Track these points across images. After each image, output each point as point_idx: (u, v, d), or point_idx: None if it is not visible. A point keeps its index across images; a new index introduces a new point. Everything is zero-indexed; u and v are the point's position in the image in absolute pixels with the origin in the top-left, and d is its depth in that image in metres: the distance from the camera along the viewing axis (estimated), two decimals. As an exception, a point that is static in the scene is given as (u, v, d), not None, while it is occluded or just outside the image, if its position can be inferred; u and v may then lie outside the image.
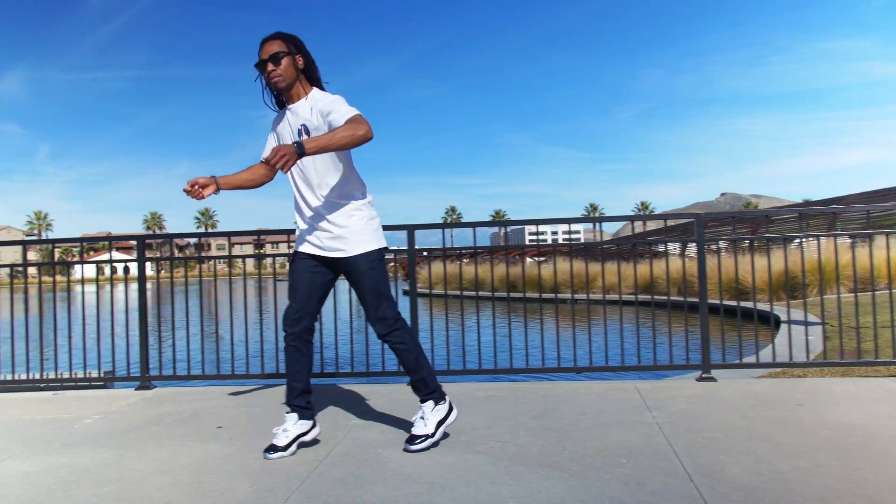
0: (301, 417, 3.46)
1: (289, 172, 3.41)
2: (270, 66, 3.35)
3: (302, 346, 3.48)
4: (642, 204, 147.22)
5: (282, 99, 3.53)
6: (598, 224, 5.83)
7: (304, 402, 3.49)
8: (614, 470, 3.01)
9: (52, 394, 5.49)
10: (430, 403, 3.50)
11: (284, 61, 3.35)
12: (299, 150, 2.97)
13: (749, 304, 7.62)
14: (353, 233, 3.42)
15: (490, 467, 3.11)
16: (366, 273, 3.42)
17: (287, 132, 3.46)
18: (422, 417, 3.47)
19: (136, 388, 5.48)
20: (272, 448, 3.37)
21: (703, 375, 5.03)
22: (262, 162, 3.52)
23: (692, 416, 3.92)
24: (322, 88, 3.50)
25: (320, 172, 3.39)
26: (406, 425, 3.76)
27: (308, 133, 3.35)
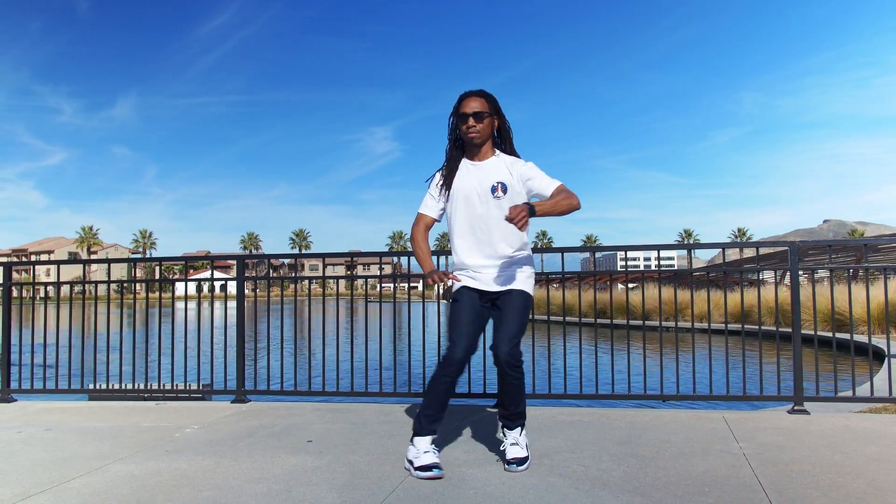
0: (434, 440, 3.58)
1: (462, 219, 3.64)
2: (472, 122, 3.57)
3: (456, 380, 3.59)
4: (739, 230, 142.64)
5: (454, 153, 3.72)
6: (691, 251, 5.75)
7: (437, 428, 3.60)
8: (697, 498, 2.99)
9: (154, 403, 5.79)
10: (521, 430, 3.63)
11: (486, 120, 3.60)
12: (531, 212, 3.26)
13: (845, 336, 7.34)
14: (525, 276, 3.66)
15: (571, 490, 3.14)
16: (518, 309, 3.57)
17: (472, 186, 3.63)
18: (515, 443, 3.58)
19: (233, 402, 5.73)
20: (436, 466, 3.43)
21: (796, 408, 4.90)
22: (423, 215, 3.76)
23: (782, 449, 3.83)
24: (509, 151, 3.73)
25: (511, 226, 3.51)
26: (489, 445, 3.83)
27: (505, 191, 3.58)
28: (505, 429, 3.65)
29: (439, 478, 3.36)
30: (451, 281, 3.58)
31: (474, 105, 3.58)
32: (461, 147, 3.72)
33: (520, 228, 3.24)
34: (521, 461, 3.50)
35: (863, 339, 7.58)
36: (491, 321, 3.68)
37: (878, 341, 8.69)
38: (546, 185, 3.55)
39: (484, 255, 3.62)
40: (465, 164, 3.69)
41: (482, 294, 3.63)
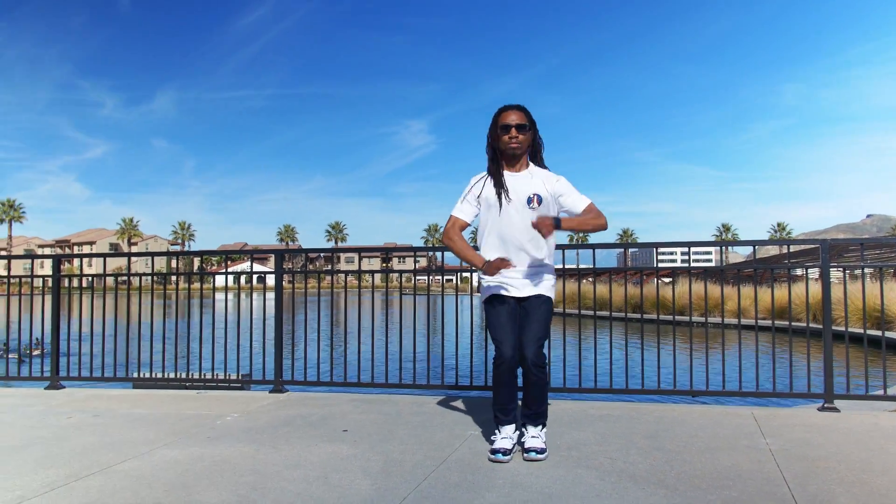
0: (516, 428, 3.81)
1: (496, 226, 3.82)
2: (515, 133, 3.77)
3: (516, 371, 3.79)
4: (778, 225, 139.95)
5: (494, 165, 3.88)
6: (725, 248, 5.78)
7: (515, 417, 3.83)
8: (720, 492, 3.07)
9: (196, 392, 5.99)
10: (542, 427, 3.79)
11: (528, 133, 3.81)
12: (556, 224, 3.59)
13: (878, 333, 7.30)
14: (549, 284, 3.87)
15: (598, 481, 3.24)
16: (543, 314, 3.78)
17: (508, 196, 3.78)
18: (535, 436, 3.73)
19: (271, 391, 5.90)
20: (504, 451, 3.64)
21: (826, 405, 4.92)
22: (457, 219, 3.90)
23: (809, 445, 3.88)
24: (540, 163, 3.94)
25: (544, 238, 3.75)
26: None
27: (540, 202, 3.77)
28: (527, 425, 3.77)
29: (501, 462, 3.56)
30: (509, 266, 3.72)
31: (516, 118, 3.77)
32: (495, 159, 3.87)
33: (543, 235, 3.56)
34: (539, 450, 3.63)
35: (897, 337, 7.52)
36: None
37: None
38: (577, 202, 3.82)
39: (515, 262, 3.76)
40: (504, 173, 3.84)
41: (512, 299, 3.80)
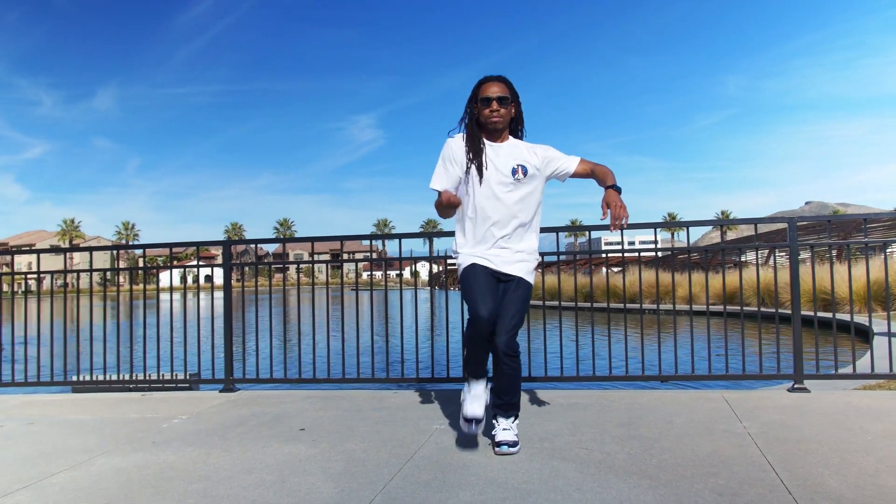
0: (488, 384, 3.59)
1: (477, 200, 3.55)
2: (496, 106, 3.52)
3: (490, 340, 3.50)
4: (723, 213, 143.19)
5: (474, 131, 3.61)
6: (676, 233, 5.66)
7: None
8: (707, 480, 2.90)
9: (141, 394, 5.65)
10: (514, 419, 3.56)
11: (510, 106, 3.59)
12: (619, 191, 3.49)
13: (843, 316, 7.31)
14: (530, 266, 3.63)
15: (576, 474, 3.04)
16: (520, 299, 3.52)
17: (491, 168, 3.54)
18: (506, 428, 3.49)
19: (221, 391, 5.59)
20: (475, 421, 3.45)
21: (796, 386, 4.83)
22: (444, 194, 3.50)
23: (787, 427, 3.75)
24: (520, 138, 3.73)
25: (527, 213, 3.58)
26: (488, 431, 3.72)
27: (525, 173, 3.55)
28: (498, 416, 3.54)
29: (474, 434, 3.51)
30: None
31: (498, 90, 3.54)
32: (473, 132, 3.62)
33: (626, 218, 3.39)
34: (511, 444, 3.41)
35: (855, 318, 7.53)
36: None
37: (875, 321, 8.62)
38: (569, 162, 3.65)
39: (495, 238, 3.54)
40: (484, 144, 3.60)
41: (492, 271, 3.54)
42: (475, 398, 3.47)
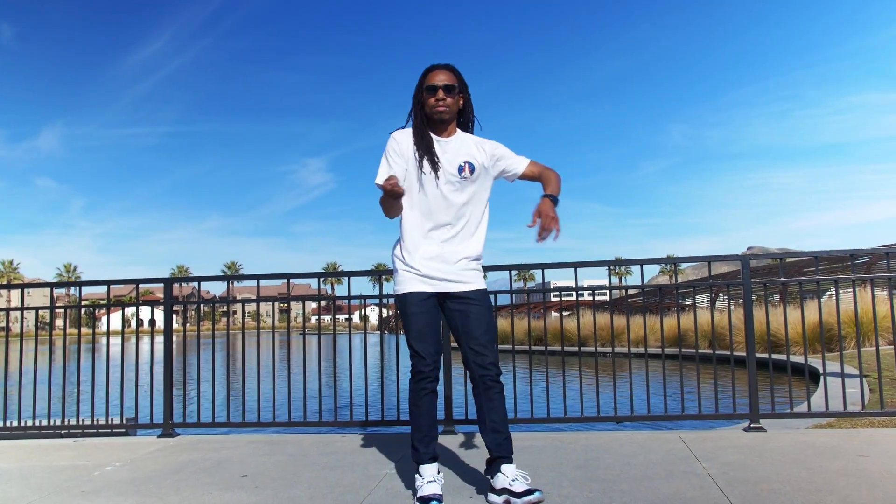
0: (440, 468, 3.26)
1: (420, 198, 3.29)
2: (442, 95, 3.28)
3: (436, 389, 3.26)
4: (668, 257, 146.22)
5: (420, 124, 3.36)
6: (623, 277, 5.65)
7: (436, 449, 3.27)
8: (670, 523, 2.78)
9: (72, 440, 5.33)
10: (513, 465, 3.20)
11: (457, 96, 3.34)
12: (555, 202, 3.17)
13: (790, 358, 7.35)
14: (480, 273, 3.38)
15: (534, 519, 2.89)
16: (486, 313, 3.29)
17: (436, 164, 3.29)
18: (517, 478, 3.11)
19: (159, 436, 5.31)
20: (437, 498, 3.06)
21: (752, 425, 4.77)
22: (388, 185, 3.12)
23: (746, 468, 3.67)
24: (470, 132, 3.48)
25: (473, 213, 3.35)
26: (453, 475, 3.55)
27: (472, 170, 3.32)
28: (502, 464, 3.15)
29: None
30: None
31: (444, 78, 3.30)
32: (419, 126, 3.37)
33: (557, 232, 3.07)
34: (536, 489, 3.06)
35: (800, 360, 7.59)
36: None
37: (816, 362, 8.73)
38: (518, 163, 3.43)
39: (440, 241, 3.29)
40: (432, 139, 3.36)
41: (431, 295, 3.29)
42: (432, 483, 3.13)
